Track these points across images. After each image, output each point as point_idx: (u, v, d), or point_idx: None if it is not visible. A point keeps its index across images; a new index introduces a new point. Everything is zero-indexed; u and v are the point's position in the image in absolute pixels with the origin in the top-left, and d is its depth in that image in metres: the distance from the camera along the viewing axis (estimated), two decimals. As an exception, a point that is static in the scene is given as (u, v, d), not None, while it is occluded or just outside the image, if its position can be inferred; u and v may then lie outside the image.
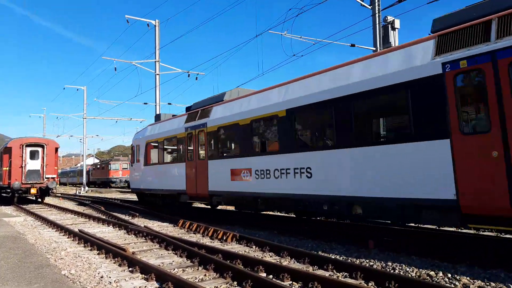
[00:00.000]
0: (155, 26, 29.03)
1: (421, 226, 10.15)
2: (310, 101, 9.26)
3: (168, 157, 15.95)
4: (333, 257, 7.35)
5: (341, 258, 7.33)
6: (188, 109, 15.68)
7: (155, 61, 28.83)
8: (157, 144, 16.50)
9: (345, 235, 9.40)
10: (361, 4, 17.09)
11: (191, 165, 13.64)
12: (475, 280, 5.61)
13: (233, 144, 12.46)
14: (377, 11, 16.71)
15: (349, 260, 7.16)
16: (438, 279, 5.82)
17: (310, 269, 6.70)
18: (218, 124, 12.42)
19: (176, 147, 15.20)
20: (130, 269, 6.93)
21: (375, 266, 6.69)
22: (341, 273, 6.29)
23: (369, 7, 16.93)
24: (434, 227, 9.84)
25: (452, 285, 5.54)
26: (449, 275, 5.87)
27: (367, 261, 7.06)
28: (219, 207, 17.11)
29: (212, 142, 12.82)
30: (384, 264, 6.74)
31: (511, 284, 5.38)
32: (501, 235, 8.93)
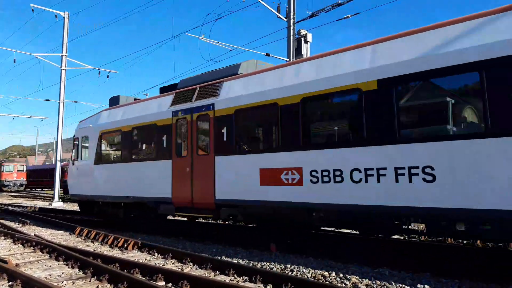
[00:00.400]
0: (64, 18, 27.00)
1: (322, 228, 10.65)
2: (435, 66, 6.13)
3: (139, 153, 11.64)
4: (235, 261, 7.35)
5: (243, 262, 7.36)
6: (168, 88, 11.80)
7: (61, 55, 26.72)
8: (119, 135, 12.08)
9: (249, 239, 9.49)
10: (278, 15, 17.69)
11: (183, 163, 9.93)
12: (363, 279, 5.99)
13: (264, 133, 9.00)
14: (292, 24, 17.37)
15: (251, 264, 7.22)
16: (331, 279, 6.11)
17: (212, 274, 6.61)
18: (236, 105, 8.88)
19: (154, 139, 10.91)
20: (10, 283, 6.17)
21: (275, 269, 6.83)
22: (241, 278, 6.29)
23: (285, 19, 17.56)
24: (332, 229, 10.40)
25: (343, 285, 5.85)
26: (341, 275, 6.20)
27: (268, 264, 7.17)
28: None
29: (224, 130, 9.09)
30: (284, 267, 6.90)
31: (394, 281, 5.84)
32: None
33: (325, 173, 7.28)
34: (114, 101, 13.55)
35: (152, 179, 10.73)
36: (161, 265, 7.25)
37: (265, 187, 8.14)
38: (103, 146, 12.93)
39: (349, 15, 14.44)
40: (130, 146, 11.67)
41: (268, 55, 19.13)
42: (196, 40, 17.97)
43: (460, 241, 8.78)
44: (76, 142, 14.22)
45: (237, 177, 8.69)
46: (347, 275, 6.18)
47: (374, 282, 5.83)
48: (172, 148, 10.28)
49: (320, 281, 6.01)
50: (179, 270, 6.81)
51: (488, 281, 5.76)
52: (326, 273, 6.33)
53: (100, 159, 12.84)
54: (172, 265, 7.42)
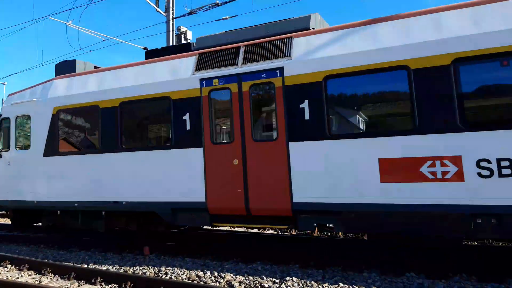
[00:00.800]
0: None
1: (202, 228, 10.61)
2: None
3: (135, 138, 8.34)
4: (104, 268, 6.83)
5: (114, 269, 6.87)
6: (162, 51, 8.80)
7: None
8: (94, 114, 8.59)
9: (123, 243, 8.92)
10: (156, 9, 17.12)
11: (226, 153, 7.18)
12: (237, 276, 6.10)
13: (383, 108, 6.47)
14: (171, 19, 16.98)
15: (122, 270, 6.78)
16: (206, 278, 6.08)
17: (76, 285, 6.02)
18: (328, 69, 6.49)
19: (166, 118, 7.87)
20: None
21: (148, 273, 6.52)
22: (110, 285, 5.87)
23: (164, 14, 17.10)
24: (209, 227, 10.45)
25: (217, 283, 5.88)
26: (216, 274, 6.23)
27: (142, 268, 6.83)
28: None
29: (305, 105, 6.65)
30: (158, 270, 6.64)
31: (265, 275, 6.08)
32: (264, 231, 10.19)
33: (505, 163, 5.37)
34: (66, 68, 9.74)
35: (163, 176, 7.67)
36: (14, 279, 6.33)
37: (390, 184, 5.95)
38: (61, 130, 8.97)
39: (228, 17, 14.73)
40: (116, 129, 8.27)
41: (145, 49, 18.41)
42: (64, 26, 16.14)
43: (326, 233, 9.63)
44: (6, 125, 10.01)
45: (333, 171, 6.32)
46: (221, 273, 6.23)
47: (247, 278, 5.99)
48: (203, 131, 7.40)
49: (195, 281, 5.95)
50: (37, 282, 6.05)
51: (349, 270, 6.40)
52: (201, 273, 6.28)
53: (57, 148, 8.94)
54: (28, 277, 6.54)
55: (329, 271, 6.29)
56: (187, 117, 7.59)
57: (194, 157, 7.40)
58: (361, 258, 6.64)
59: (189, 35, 17.72)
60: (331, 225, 6.70)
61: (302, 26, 7.40)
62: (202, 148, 7.37)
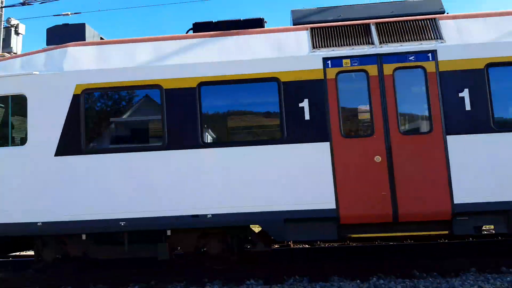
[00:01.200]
0: None
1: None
2: None
3: (223, 130, 6.52)
4: None
5: None
6: (220, 25, 6.97)
7: None
8: (154, 96, 6.44)
9: None
10: (-20, -4, 14.66)
11: (363, 148, 5.98)
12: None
13: None
14: (-1, 8, 14.77)
15: None
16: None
17: None
18: (490, 56, 6.04)
19: (274, 105, 6.23)
20: None
21: None
22: None
23: (-10, 3, 14.80)
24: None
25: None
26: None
27: None
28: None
29: (465, 94, 5.93)
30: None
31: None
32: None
33: None
34: (67, 35, 6.93)
35: (271, 178, 6.03)
36: None
37: None
38: (90, 117, 6.41)
39: (69, 13, 13.43)
40: (194, 118, 6.21)
41: (-39, 40, 15.46)
42: None
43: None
44: None
45: (500, 167, 5.79)
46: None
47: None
48: (329, 122, 6.08)
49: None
50: None
51: (191, 285, 6.25)
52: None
53: (83, 143, 6.25)
54: None
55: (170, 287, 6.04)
56: (305, 104, 6.20)
57: (317, 153, 6.08)
58: (204, 270, 6.59)
59: (22, 29, 15.56)
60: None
61: (435, 9, 6.79)
62: (328, 143, 6.09)
